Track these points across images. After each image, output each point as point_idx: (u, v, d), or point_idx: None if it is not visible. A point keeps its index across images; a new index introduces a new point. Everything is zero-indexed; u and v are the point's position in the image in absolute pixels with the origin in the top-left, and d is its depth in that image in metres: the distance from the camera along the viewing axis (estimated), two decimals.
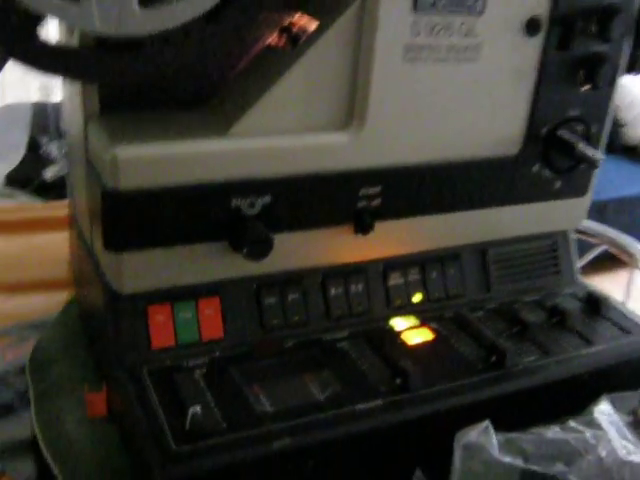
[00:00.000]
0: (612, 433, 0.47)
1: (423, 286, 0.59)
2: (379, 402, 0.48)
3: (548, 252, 0.64)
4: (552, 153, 0.58)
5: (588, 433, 0.47)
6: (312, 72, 0.48)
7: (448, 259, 0.60)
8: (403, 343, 0.55)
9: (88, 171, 0.50)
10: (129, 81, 0.46)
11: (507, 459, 0.44)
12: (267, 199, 0.50)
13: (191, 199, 0.47)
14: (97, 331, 0.55)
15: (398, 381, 0.50)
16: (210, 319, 0.52)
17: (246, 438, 0.45)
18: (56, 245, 0.68)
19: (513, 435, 0.46)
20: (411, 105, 0.51)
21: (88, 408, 0.52)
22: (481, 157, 0.56)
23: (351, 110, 0.51)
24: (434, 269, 0.59)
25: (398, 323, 0.57)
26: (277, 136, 0.49)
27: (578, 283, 0.64)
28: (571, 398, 0.53)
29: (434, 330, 0.56)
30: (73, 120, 0.54)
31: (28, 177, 1.05)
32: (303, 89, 0.49)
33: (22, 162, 1.09)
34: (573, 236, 0.65)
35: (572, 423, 0.48)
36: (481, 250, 0.61)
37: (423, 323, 0.57)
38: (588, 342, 0.56)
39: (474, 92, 0.53)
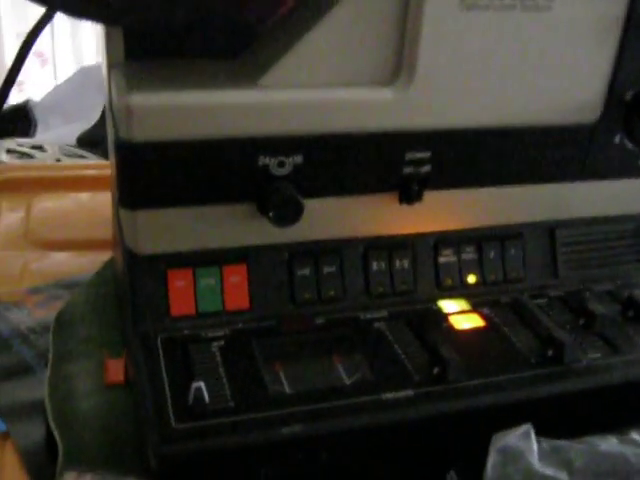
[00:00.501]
0: None
1: (478, 266, 0.52)
2: (410, 392, 0.43)
3: (629, 237, 0.56)
4: (637, 122, 0.50)
5: None
6: (354, 18, 0.43)
7: (509, 238, 0.53)
8: (449, 329, 0.49)
9: (111, 122, 0.47)
10: (153, 25, 0.43)
11: (548, 471, 0.38)
12: (298, 159, 0.45)
13: (213, 155, 0.43)
14: (120, 294, 0.52)
15: (435, 370, 0.44)
16: (235, 288, 0.48)
17: (254, 421, 0.40)
18: (105, 205, 0.65)
19: (560, 443, 0.40)
20: (468, 60, 0.45)
21: (105, 374, 0.49)
22: (551, 124, 0.49)
23: (398, 63, 0.45)
24: (492, 248, 0.53)
25: (446, 306, 0.51)
26: (312, 89, 0.44)
27: None
28: (638, 405, 0.46)
29: (486, 316, 0.50)
30: (103, 69, 0.51)
31: (99, 138, 1.05)
32: (343, 37, 0.43)
33: (94, 124, 1.08)
34: None
35: (634, 435, 0.41)
36: (548, 230, 0.54)
37: (475, 308, 0.51)
38: None
39: (545, 47, 0.46)
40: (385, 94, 0.45)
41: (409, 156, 0.47)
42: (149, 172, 0.43)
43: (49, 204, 0.72)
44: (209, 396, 0.41)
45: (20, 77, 2.12)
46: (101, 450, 0.43)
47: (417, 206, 0.49)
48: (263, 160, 0.44)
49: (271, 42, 0.46)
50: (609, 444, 0.40)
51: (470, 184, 0.49)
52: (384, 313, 0.49)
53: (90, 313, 0.55)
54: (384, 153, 0.46)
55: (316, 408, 0.41)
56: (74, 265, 0.63)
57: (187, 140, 0.42)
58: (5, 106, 1.23)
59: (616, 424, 0.44)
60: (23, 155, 0.87)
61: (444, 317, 0.50)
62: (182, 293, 0.47)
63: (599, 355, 0.47)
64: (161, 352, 0.45)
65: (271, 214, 0.44)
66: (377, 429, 0.42)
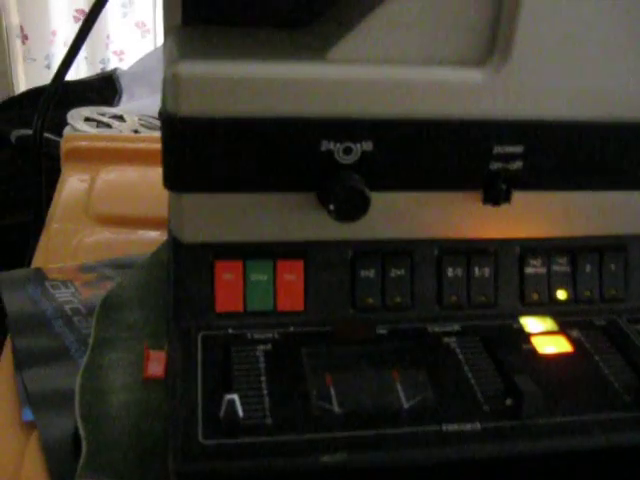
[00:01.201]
0: None
1: (571, 281, 0.45)
2: (477, 426, 0.37)
3: None
4: None
5: None
6: None
7: (609, 250, 0.46)
8: (530, 351, 0.42)
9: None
10: None
11: None
12: (368, 146, 0.39)
13: (269, 137, 0.38)
14: (167, 283, 0.48)
15: (509, 402, 0.38)
16: (290, 286, 0.43)
17: (291, 443, 0.35)
18: None
19: None
20: (574, 39, 0.38)
21: (144, 367, 0.45)
22: None
23: (491, 41, 0.38)
24: (589, 261, 0.45)
25: (530, 324, 0.44)
26: (387, 66, 0.38)
27: None
28: None
29: (575, 340, 0.43)
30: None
31: None
32: (428, 7, 0.37)
33: None
34: None
35: None
36: None
37: (562, 329, 0.44)
38: None
39: None
40: (474, 76, 0.38)
41: (498, 149, 0.40)
42: (197, 151, 0.38)
43: (115, 177, 0.68)
44: (245, 409, 0.36)
45: (121, 47, 2.14)
46: (127, 456, 0.39)
47: (503, 208, 0.42)
48: (327, 145, 0.39)
49: (344, 10, 0.40)
50: None
51: (568, 186, 0.42)
52: (457, 327, 0.43)
53: (138, 298, 0.51)
54: (469, 145, 0.40)
55: (365, 435, 0.36)
56: (132, 243, 0.60)
57: (240, 118, 0.37)
58: (93, 74, 1.22)
59: None
60: (100, 124, 0.85)
61: (526, 337, 0.43)
62: (230, 288, 0.42)
63: None
64: (200, 352, 0.40)
65: (332, 207, 0.39)
66: (434, 466, 0.36)
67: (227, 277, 0.42)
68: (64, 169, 0.71)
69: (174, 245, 0.42)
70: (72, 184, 0.67)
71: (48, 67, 2.16)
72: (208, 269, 0.42)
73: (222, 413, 0.35)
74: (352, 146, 0.39)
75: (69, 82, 0.85)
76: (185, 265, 0.42)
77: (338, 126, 0.38)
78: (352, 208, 0.39)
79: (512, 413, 0.37)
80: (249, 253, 0.42)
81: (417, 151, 0.40)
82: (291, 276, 0.43)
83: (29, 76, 2.13)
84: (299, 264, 0.43)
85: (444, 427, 0.37)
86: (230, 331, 0.42)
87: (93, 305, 0.51)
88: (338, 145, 0.39)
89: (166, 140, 0.39)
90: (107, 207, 0.64)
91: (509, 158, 0.41)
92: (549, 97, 0.40)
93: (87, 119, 0.84)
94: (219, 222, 0.41)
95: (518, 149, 0.40)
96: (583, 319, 0.45)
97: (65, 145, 0.72)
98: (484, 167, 0.41)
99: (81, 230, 0.61)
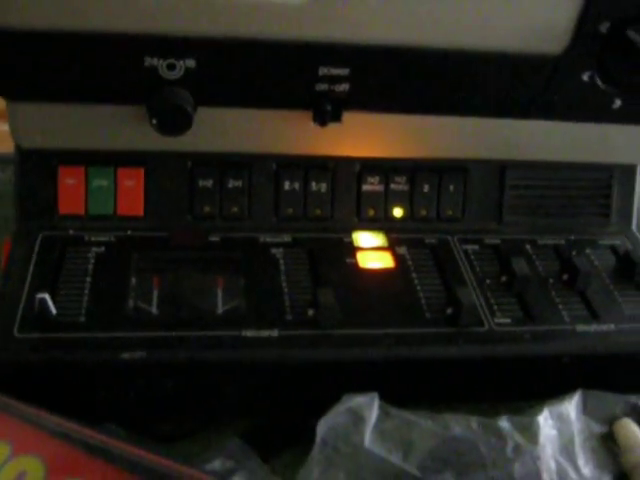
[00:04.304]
0: (548, 450, 0.36)
1: (408, 199, 0.47)
2: (274, 333, 0.40)
3: (592, 188, 0.49)
4: (613, 59, 0.42)
5: (510, 441, 0.36)
6: None
7: (450, 172, 0.47)
8: (351, 266, 0.45)
9: None
10: None
11: (380, 450, 0.35)
12: (191, 63, 0.40)
13: (94, 50, 0.39)
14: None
15: (310, 312, 0.41)
16: (130, 192, 0.45)
17: (99, 340, 0.38)
18: None
19: (410, 418, 0.36)
20: None
21: (3, 258, 0.48)
22: (505, 50, 0.41)
23: None
24: (427, 180, 0.47)
25: (361, 239, 0.46)
26: None
27: (630, 236, 0.49)
28: (534, 385, 0.41)
29: (399, 257, 0.45)
30: None
31: None
32: None
33: None
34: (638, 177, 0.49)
35: (502, 422, 0.37)
36: (498, 169, 0.48)
37: (391, 245, 0.46)
38: (594, 316, 0.43)
39: None
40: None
41: (323, 71, 0.41)
42: (24, 61, 0.39)
43: None
44: (61, 307, 0.39)
45: None
46: None
47: (337, 128, 0.43)
48: (150, 61, 0.40)
49: None
50: (465, 427, 0.36)
51: (398, 109, 0.43)
52: (287, 238, 0.46)
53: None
54: (293, 66, 0.41)
55: (171, 336, 0.39)
56: None
57: (59, 31, 0.38)
58: None
59: (504, 399, 0.40)
60: None
61: (352, 252, 0.45)
62: (72, 191, 0.45)
63: (508, 321, 0.42)
64: (37, 251, 0.43)
65: (154, 121, 0.40)
66: (224, 366, 0.39)
67: (70, 182, 0.44)
68: None
69: (15, 149, 0.44)
70: None
71: None
72: (51, 173, 0.44)
73: (35, 310, 0.38)
74: (175, 63, 0.40)
75: None
76: (26, 169, 0.44)
77: (159, 43, 0.39)
78: (173, 123, 0.40)
79: (309, 322, 0.40)
80: (91, 160, 0.44)
81: (240, 70, 0.40)
82: (131, 182, 0.45)
83: None
84: (139, 171, 0.45)
85: (243, 332, 0.40)
86: (71, 232, 0.44)
87: None
88: (161, 61, 0.40)
89: None
90: None
91: (335, 80, 0.41)
92: (380, 21, 0.40)
93: None
94: (58, 130, 0.43)
95: (344, 72, 0.41)
96: (416, 237, 0.47)
97: None
98: (310, 88, 0.41)
99: None
